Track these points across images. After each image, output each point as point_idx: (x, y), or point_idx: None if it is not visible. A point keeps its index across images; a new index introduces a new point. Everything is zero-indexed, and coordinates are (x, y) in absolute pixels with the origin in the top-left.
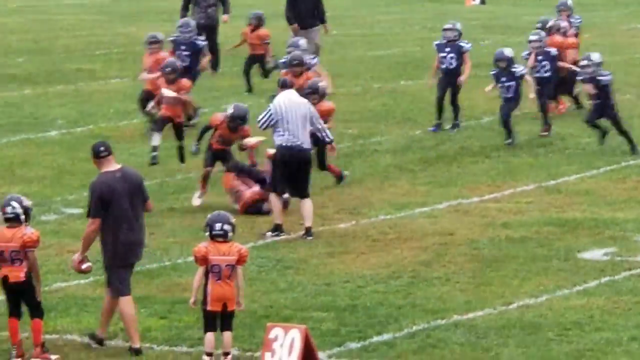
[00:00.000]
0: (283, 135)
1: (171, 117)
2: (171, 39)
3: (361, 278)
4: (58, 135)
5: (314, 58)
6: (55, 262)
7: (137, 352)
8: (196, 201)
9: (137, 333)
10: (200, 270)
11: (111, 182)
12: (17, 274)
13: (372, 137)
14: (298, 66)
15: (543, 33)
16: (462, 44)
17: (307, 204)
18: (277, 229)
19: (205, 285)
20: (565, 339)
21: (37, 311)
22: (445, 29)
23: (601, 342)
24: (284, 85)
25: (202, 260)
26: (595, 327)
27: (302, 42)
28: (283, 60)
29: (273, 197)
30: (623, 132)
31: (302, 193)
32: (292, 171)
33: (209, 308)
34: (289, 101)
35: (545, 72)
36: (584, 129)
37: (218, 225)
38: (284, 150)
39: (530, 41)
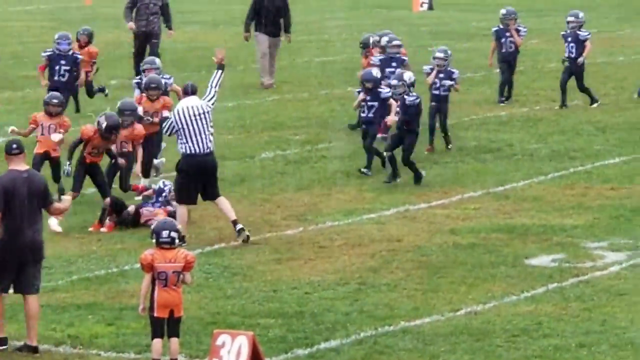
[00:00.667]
0: (186, 143)
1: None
2: (47, 53)
3: (308, 284)
4: (3, 142)
5: (169, 77)
6: None
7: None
8: (56, 227)
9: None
10: (147, 277)
11: (16, 181)
12: None
13: (319, 144)
14: (155, 90)
15: (449, 51)
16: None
17: (223, 201)
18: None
19: (152, 291)
20: (513, 346)
21: None
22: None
23: (549, 348)
24: (187, 92)
25: (148, 267)
26: (544, 334)
27: (158, 61)
28: (136, 80)
29: (180, 208)
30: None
31: (215, 196)
32: (200, 178)
33: (155, 314)
34: (188, 109)
35: (444, 90)
36: (532, 135)
37: (165, 233)
38: (188, 158)
39: (434, 57)
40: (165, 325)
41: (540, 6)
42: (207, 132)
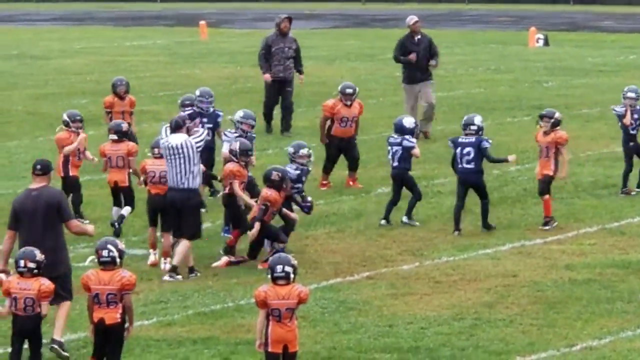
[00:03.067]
0: (168, 174)
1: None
2: (188, 112)
3: (424, 319)
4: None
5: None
6: None
7: None
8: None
9: None
10: (262, 313)
11: (24, 200)
12: (113, 315)
13: (435, 179)
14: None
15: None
16: None
17: (183, 243)
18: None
19: (267, 326)
20: None
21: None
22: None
23: None
24: (172, 128)
25: (262, 304)
26: None
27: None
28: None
29: (165, 236)
30: None
31: (182, 233)
32: (176, 211)
33: (270, 350)
34: (170, 143)
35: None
36: None
37: (279, 268)
38: (169, 191)
39: (626, 97)
40: None
41: None
42: (181, 170)
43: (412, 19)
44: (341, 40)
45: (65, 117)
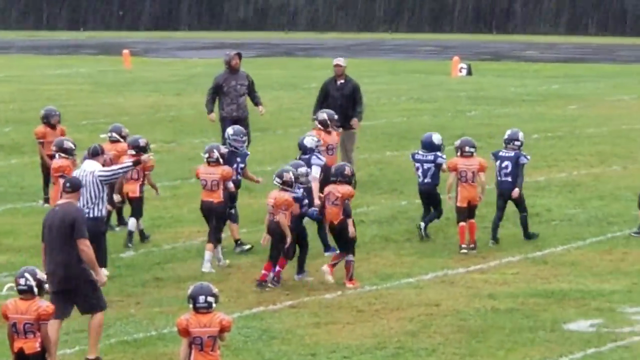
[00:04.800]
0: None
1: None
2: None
3: (347, 348)
4: (45, 205)
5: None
6: None
7: None
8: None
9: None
10: (185, 342)
11: (48, 215)
12: (32, 344)
13: (358, 208)
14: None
15: None
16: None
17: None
18: None
19: (190, 355)
20: None
21: None
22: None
23: None
24: (93, 154)
25: (184, 332)
26: None
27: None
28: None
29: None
30: None
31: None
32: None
33: None
34: (80, 171)
35: None
36: (570, 200)
37: (201, 298)
38: None
39: None
40: None
41: (579, 72)
42: (85, 198)
43: (335, 60)
44: (265, 70)
45: (71, 144)
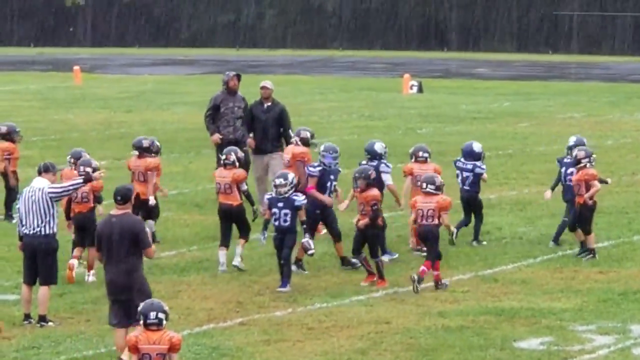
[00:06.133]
0: (22, 222)
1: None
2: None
3: None
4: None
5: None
6: None
7: None
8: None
9: None
10: (134, 359)
11: (104, 225)
12: None
13: None
14: None
15: None
16: None
17: (43, 290)
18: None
19: None
20: None
21: None
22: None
23: None
24: (44, 170)
25: (134, 349)
26: None
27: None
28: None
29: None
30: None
31: (40, 281)
32: (32, 258)
33: None
34: (30, 188)
35: None
36: (521, 218)
37: (152, 314)
38: (25, 237)
39: None
40: None
41: (530, 90)
42: (36, 215)
43: (262, 83)
44: (216, 87)
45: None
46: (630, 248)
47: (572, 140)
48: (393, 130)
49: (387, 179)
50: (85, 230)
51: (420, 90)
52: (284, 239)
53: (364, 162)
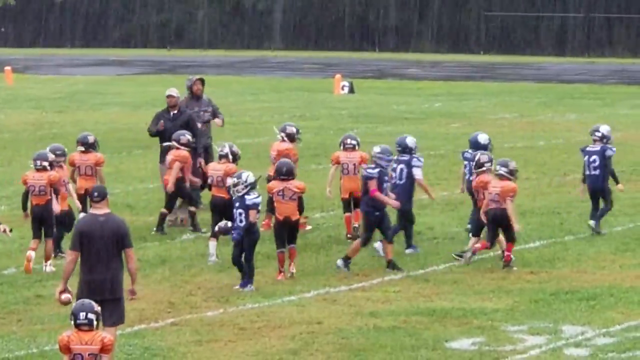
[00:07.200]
0: None
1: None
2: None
3: None
4: None
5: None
6: None
7: None
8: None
9: None
10: (66, 359)
11: (91, 224)
12: None
13: None
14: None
15: None
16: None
17: None
18: None
19: None
20: None
21: None
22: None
23: None
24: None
25: (65, 349)
26: None
27: None
28: None
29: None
30: None
31: None
32: None
33: None
34: None
35: None
36: (452, 218)
37: (82, 315)
38: None
39: None
40: None
41: (461, 90)
42: None
43: (168, 91)
44: (147, 87)
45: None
46: (562, 248)
47: (603, 128)
48: (324, 130)
49: (417, 173)
50: (43, 222)
51: (351, 90)
52: (242, 239)
53: (394, 157)
